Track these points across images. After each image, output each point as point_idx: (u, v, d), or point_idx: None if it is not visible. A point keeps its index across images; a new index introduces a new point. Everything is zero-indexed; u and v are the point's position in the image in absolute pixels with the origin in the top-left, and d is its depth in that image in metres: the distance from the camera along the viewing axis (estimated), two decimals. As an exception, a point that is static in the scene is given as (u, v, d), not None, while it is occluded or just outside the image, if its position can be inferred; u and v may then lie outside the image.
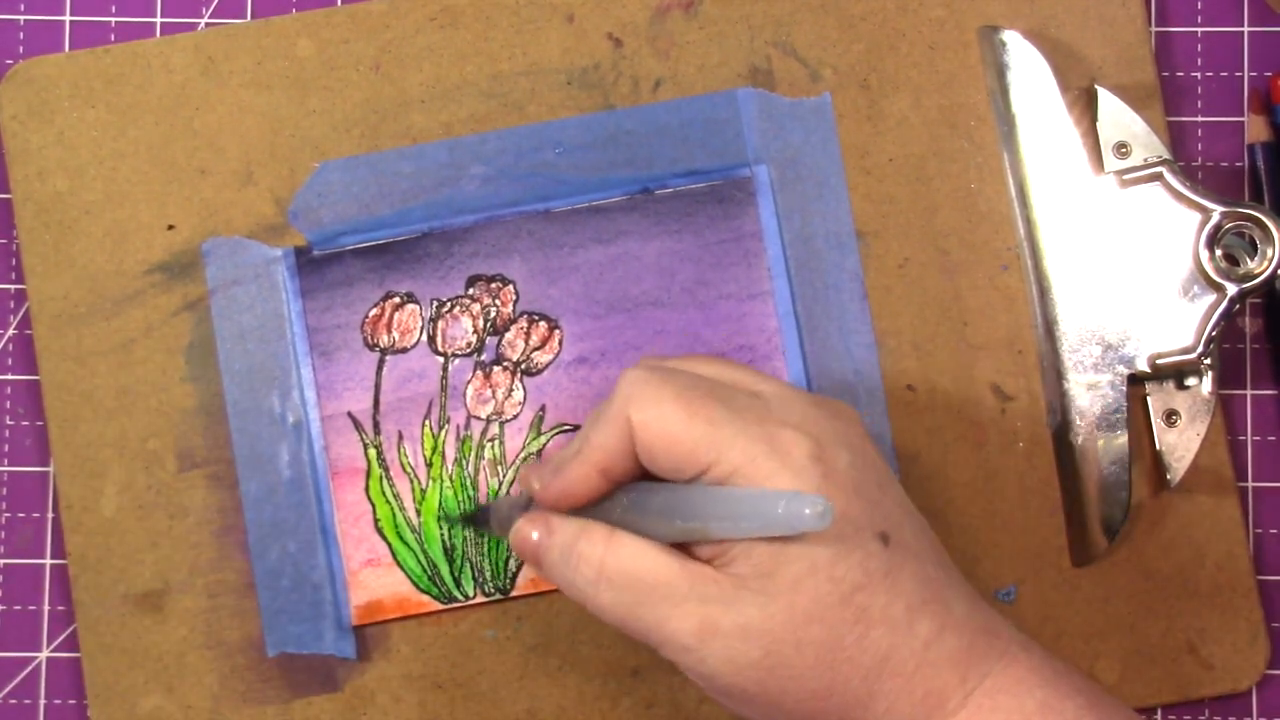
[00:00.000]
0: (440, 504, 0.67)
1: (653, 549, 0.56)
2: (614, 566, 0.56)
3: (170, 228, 0.68)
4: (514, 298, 0.68)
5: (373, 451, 0.67)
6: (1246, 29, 0.70)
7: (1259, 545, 0.69)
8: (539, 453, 0.67)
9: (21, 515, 0.69)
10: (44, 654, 0.68)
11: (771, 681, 0.55)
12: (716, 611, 0.54)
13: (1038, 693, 0.56)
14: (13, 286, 0.69)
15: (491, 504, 0.64)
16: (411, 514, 0.67)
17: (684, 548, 0.56)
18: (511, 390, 0.68)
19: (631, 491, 0.57)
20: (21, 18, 0.70)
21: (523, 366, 0.68)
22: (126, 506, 0.67)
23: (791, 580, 0.54)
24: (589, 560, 0.56)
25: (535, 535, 0.58)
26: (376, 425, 0.67)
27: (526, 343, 0.68)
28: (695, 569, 0.55)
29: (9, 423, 0.69)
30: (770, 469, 0.54)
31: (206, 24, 0.70)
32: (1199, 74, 0.70)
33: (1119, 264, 0.66)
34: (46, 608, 0.68)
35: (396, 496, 0.67)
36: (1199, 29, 0.70)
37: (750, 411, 0.56)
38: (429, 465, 0.67)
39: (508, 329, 0.68)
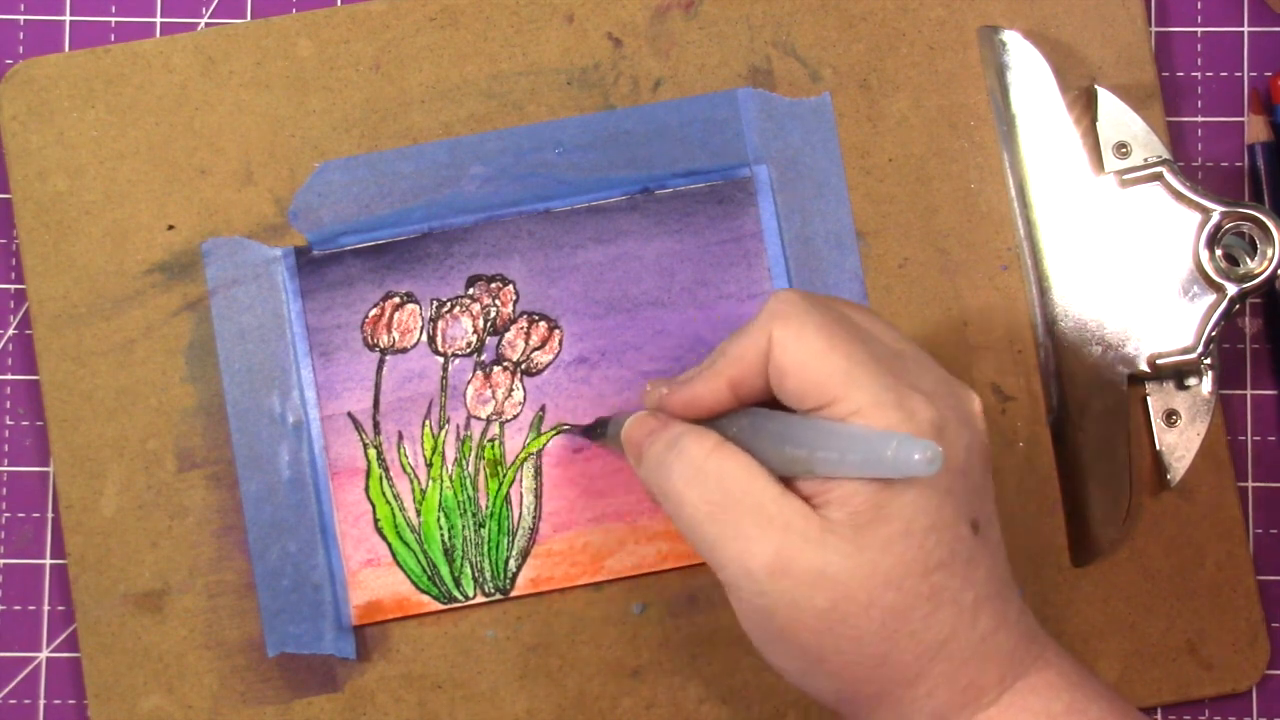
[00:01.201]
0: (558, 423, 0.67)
1: (757, 466, 0.55)
2: (715, 467, 0.55)
3: (170, 228, 0.68)
4: (514, 298, 0.68)
5: (373, 451, 0.67)
6: (1246, 29, 0.70)
7: (1259, 545, 0.69)
8: (539, 452, 0.67)
9: (21, 515, 0.69)
10: (44, 654, 0.68)
11: (829, 636, 0.54)
12: (797, 545, 0.53)
13: (1065, 696, 0.56)
14: (13, 286, 0.69)
15: (611, 417, 0.64)
16: (411, 514, 0.67)
17: (788, 483, 0.55)
18: (511, 390, 0.68)
19: (748, 415, 0.57)
20: (21, 18, 0.70)
21: (523, 366, 0.68)
22: (126, 506, 0.67)
23: (884, 539, 0.53)
24: (693, 455, 0.55)
25: (648, 428, 0.58)
26: (376, 425, 0.67)
27: (526, 343, 0.68)
28: (790, 499, 0.54)
29: (9, 423, 0.69)
30: (893, 420, 0.53)
31: (206, 24, 0.70)
32: (1199, 74, 0.70)
33: (1119, 264, 0.66)
34: (46, 608, 0.68)
35: (396, 497, 0.67)
36: (1199, 29, 0.70)
37: (888, 363, 0.55)
38: (429, 465, 0.67)
39: (508, 329, 0.68)
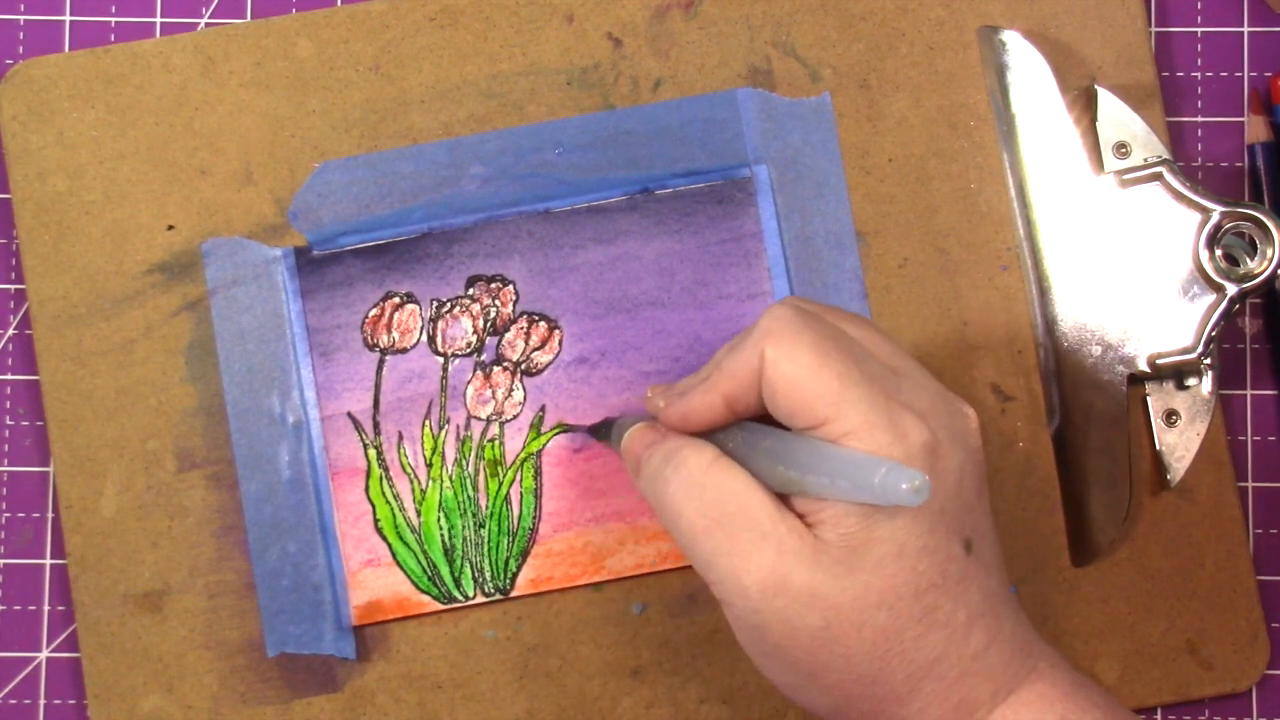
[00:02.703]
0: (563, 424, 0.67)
1: (753, 482, 0.55)
2: (712, 481, 0.55)
3: (170, 228, 0.68)
4: (514, 298, 0.68)
5: (373, 452, 0.67)
6: (1246, 29, 0.70)
7: (1259, 545, 0.69)
8: (539, 452, 0.67)
9: (21, 515, 0.69)
10: (44, 654, 0.68)
11: (821, 654, 0.54)
12: (791, 565, 0.54)
13: (1058, 707, 0.56)
14: (13, 286, 0.69)
15: (617, 418, 0.64)
16: (411, 514, 0.67)
17: (783, 499, 0.56)
18: (511, 390, 0.68)
19: (743, 430, 0.57)
20: (21, 18, 0.70)
21: (523, 367, 0.68)
22: (126, 506, 0.67)
23: (875, 561, 0.53)
24: (691, 468, 0.56)
25: (647, 440, 0.58)
26: (376, 425, 0.67)
27: (526, 343, 0.68)
28: (786, 516, 0.54)
29: (9, 423, 0.69)
30: (884, 442, 0.53)
31: (206, 24, 0.70)
32: (1199, 74, 0.70)
33: (1119, 264, 0.66)
34: (46, 608, 0.68)
35: (396, 497, 0.67)
36: (1199, 29, 0.70)
37: (881, 383, 0.55)
38: (429, 465, 0.67)
39: (508, 329, 0.68)
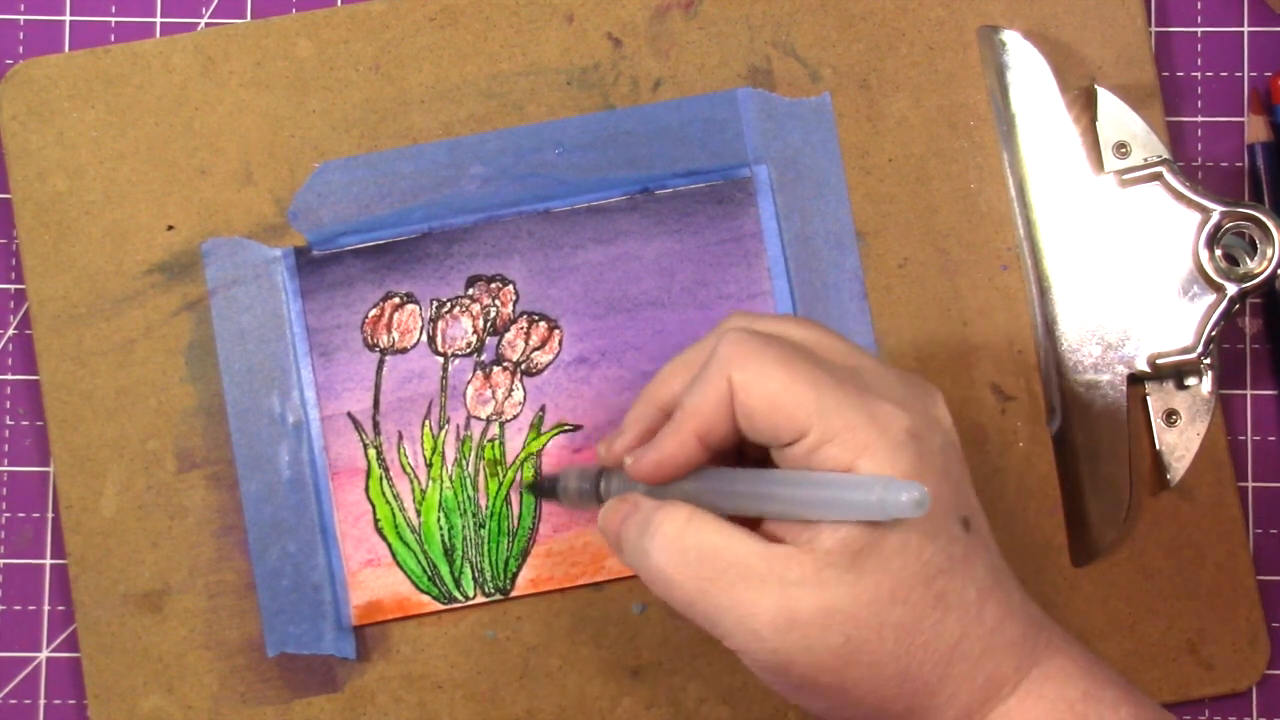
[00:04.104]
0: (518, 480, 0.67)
1: (734, 529, 0.55)
2: (693, 541, 0.55)
3: (170, 228, 0.68)
4: (514, 298, 0.68)
5: (373, 452, 0.67)
6: (1246, 29, 0.70)
7: (1259, 545, 0.69)
8: (539, 452, 0.67)
9: (21, 515, 0.69)
10: (44, 654, 0.68)
11: (849, 671, 0.54)
12: (796, 595, 0.53)
13: (1080, 682, 0.56)
14: (13, 286, 0.69)
15: (560, 472, 0.62)
16: (411, 514, 0.67)
17: (769, 525, 0.55)
18: (511, 390, 0.68)
19: (718, 478, 0.57)
20: (21, 18, 0.70)
21: (523, 367, 0.68)
22: (126, 506, 0.67)
23: (882, 558, 0.53)
24: (668, 534, 0.55)
25: (620, 515, 0.57)
26: (376, 425, 0.67)
27: (526, 343, 0.68)
28: (777, 550, 0.54)
29: (9, 423, 0.69)
30: (868, 439, 0.53)
31: (206, 24, 0.70)
32: (1199, 74, 0.70)
33: (1119, 264, 0.66)
34: (46, 608, 0.68)
35: (396, 497, 0.67)
36: (1199, 29, 0.70)
37: (850, 382, 0.55)
38: (429, 465, 0.67)
39: (508, 329, 0.68)
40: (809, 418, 0.54)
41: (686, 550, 0.55)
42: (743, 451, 0.59)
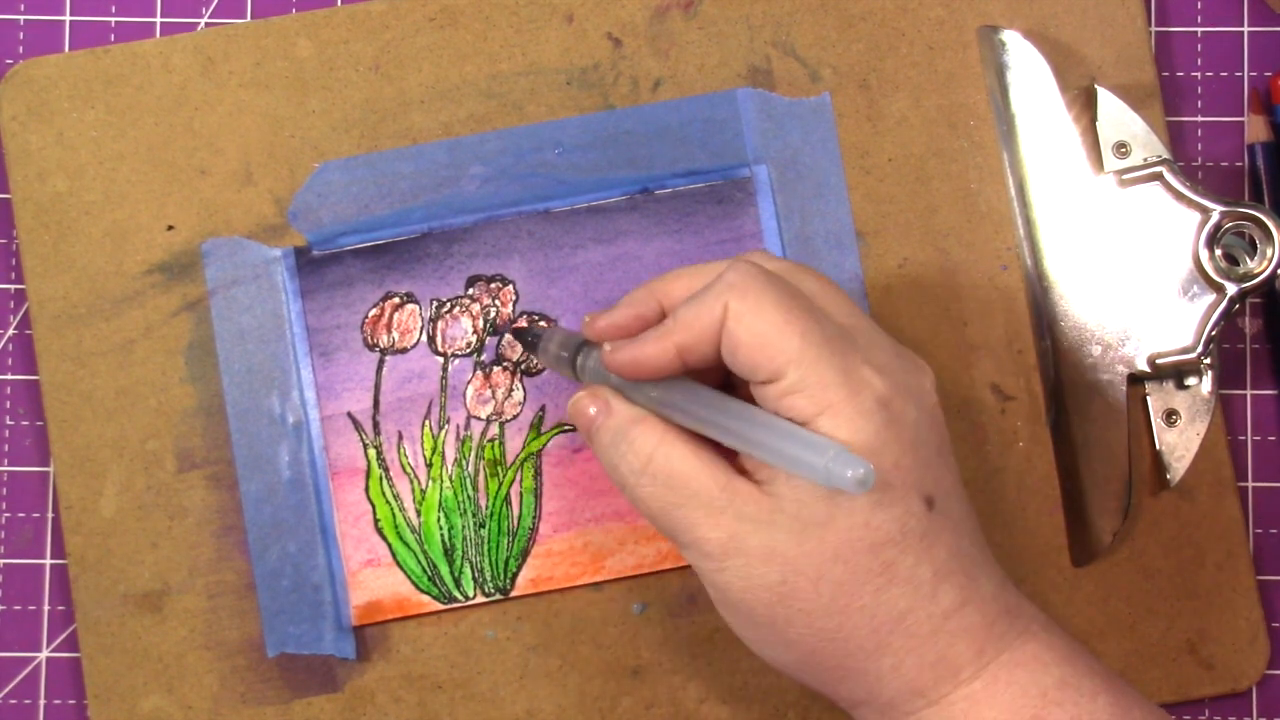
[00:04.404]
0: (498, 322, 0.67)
1: (702, 456, 0.56)
2: (661, 464, 0.57)
3: (170, 228, 0.68)
4: (514, 298, 0.68)
5: (373, 452, 0.67)
6: (1246, 29, 0.70)
7: (1259, 545, 0.69)
8: (539, 452, 0.67)
9: (21, 515, 0.69)
10: (44, 654, 0.68)
11: (780, 607, 0.55)
12: (747, 529, 0.55)
13: (1055, 670, 0.56)
14: (13, 286, 0.69)
15: (546, 329, 0.64)
16: (411, 514, 0.67)
17: (734, 457, 0.57)
18: (511, 390, 0.68)
19: (693, 394, 0.57)
20: (21, 18, 0.70)
21: (523, 367, 0.68)
22: (126, 507, 0.67)
23: (829, 516, 0.54)
24: (639, 451, 0.57)
25: (593, 410, 0.58)
26: (376, 425, 0.67)
27: (526, 343, 0.68)
28: (736, 485, 0.56)
29: (9, 423, 0.69)
30: (837, 398, 0.55)
31: (206, 24, 0.70)
32: (1199, 74, 0.70)
33: (1119, 264, 0.66)
34: (46, 608, 0.68)
35: (396, 497, 0.67)
36: (1199, 29, 0.70)
37: (838, 339, 0.56)
38: (429, 465, 0.67)
39: (508, 329, 0.68)
40: (787, 363, 0.55)
41: (655, 473, 0.57)
42: (729, 378, 0.59)
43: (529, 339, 0.65)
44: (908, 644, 0.55)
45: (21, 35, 0.70)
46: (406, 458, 0.67)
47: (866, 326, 0.58)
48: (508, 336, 0.67)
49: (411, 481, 0.67)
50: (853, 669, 0.56)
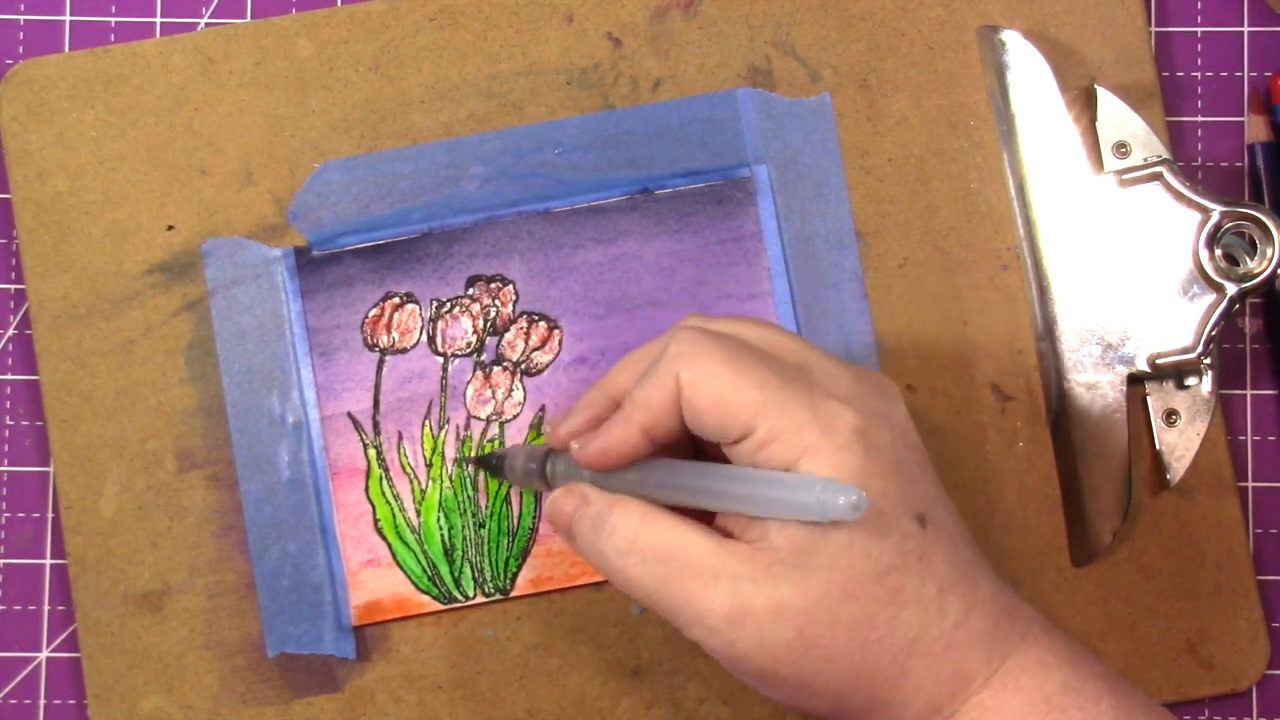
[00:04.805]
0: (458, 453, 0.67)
1: (687, 526, 0.56)
2: (648, 539, 0.56)
3: (170, 228, 0.68)
4: (514, 298, 0.68)
5: (372, 452, 0.67)
6: (1246, 29, 0.70)
7: (1259, 545, 0.69)
8: (539, 453, 0.67)
9: (21, 515, 0.69)
10: (44, 654, 0.68)
11: (804, 663, 0.55)
12: (749, 591, 0.54)
13: (1057, 674, 0.56)
14: (13, 286, 0.69)
15: (508, 450, 0.64)
16: (411, 514, 0.67)
17: (714, 516, 0.57)
18: (511, 390, 0.68)
19: (667, 469, 0.57)
20: (21, 18, 0.70)
21: (522, 367, 0.68)
22: (126, 507, 0.67)
23: (828, 557, 0.54)
24: (622, 532, 0.56)
25: (570, 507, 0.58)
26: (376, 425, 0.67)
27: (526, 343, 0.68)
28: (729, 547, 0.55)
29: (9, 423, 0.69)
30: (812, 438, 0.54)
31: (206, 24, 0.70)
32: (1199, 74, 0.70)
33: (1119, 264, 0.66)
34: (46, 608, 0.68)
35: (396, 497, 0.67)
36: (1199, 29, 0.70)
37: (798, 381, 0.55)
38: (429, 465, 0.67)
39: (507, 329, 0.68)
40: (754, 417, 0.55)
41: (643, 551, 0.56)
42: (699, 445, 0.59)
43: (493, 463, 0.64)
44: (925, 663, 0.55)
45: (21, 35, 0.70)
46: (406, 458, 0.67)
47: (820, 359, 0.58)
48: (506, 338, 0.67)
49: (411, 481, 0.67)
50: (880, 699, 0.55)
